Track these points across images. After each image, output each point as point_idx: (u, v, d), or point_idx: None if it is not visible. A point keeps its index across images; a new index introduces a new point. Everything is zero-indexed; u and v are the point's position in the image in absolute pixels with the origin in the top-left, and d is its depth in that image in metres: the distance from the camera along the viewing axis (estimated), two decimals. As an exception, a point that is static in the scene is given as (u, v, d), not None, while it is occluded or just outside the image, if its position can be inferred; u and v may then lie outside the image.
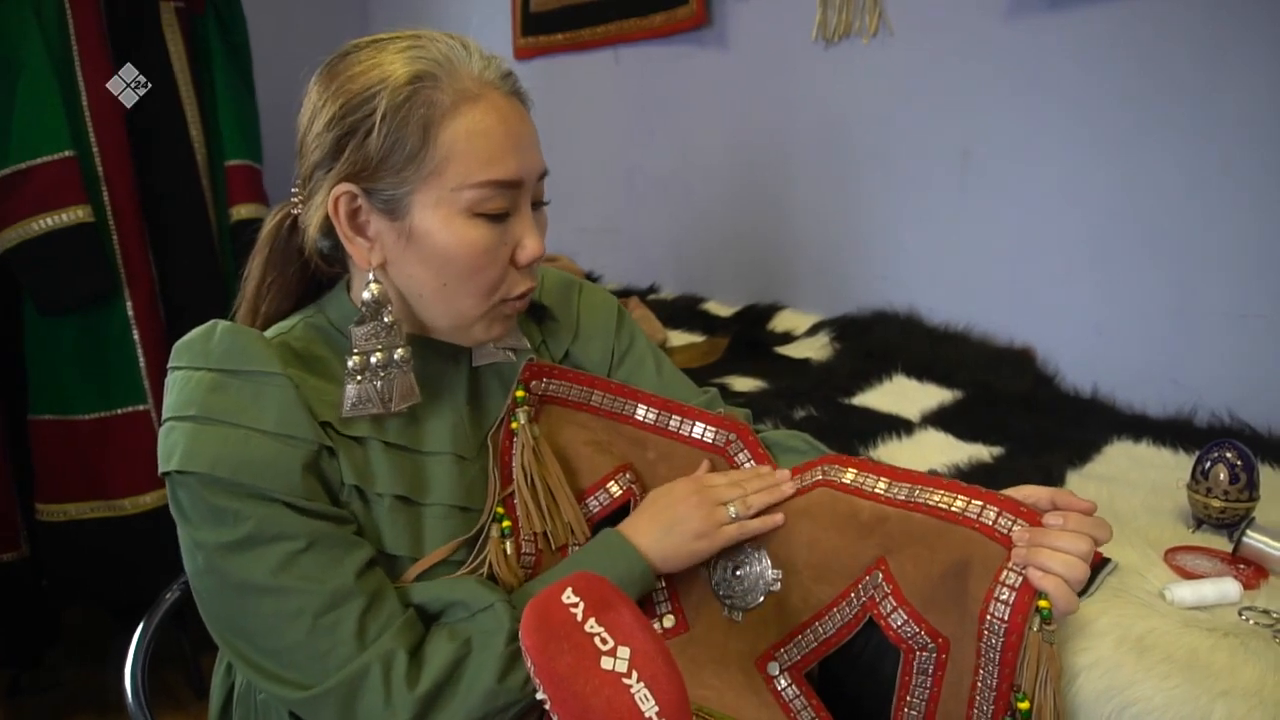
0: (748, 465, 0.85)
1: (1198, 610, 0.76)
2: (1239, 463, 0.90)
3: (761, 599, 0.80)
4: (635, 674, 0.58)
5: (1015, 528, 0.68)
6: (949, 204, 1.60)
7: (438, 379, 0.81)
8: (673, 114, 2.13)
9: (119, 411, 1.71)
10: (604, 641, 0.60)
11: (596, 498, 0.85)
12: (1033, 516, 0.68)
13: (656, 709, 0.57)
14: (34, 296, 1.63)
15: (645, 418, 0.87)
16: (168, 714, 1.83)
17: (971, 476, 1.09)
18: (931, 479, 0.76)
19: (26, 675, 1.90)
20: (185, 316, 1.74)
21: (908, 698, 0.71)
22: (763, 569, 0.80)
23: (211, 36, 1.90)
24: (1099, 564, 0.81)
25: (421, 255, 0.73)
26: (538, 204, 0.78)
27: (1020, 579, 0.65)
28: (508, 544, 0.78)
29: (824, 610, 0.77)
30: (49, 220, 1.59)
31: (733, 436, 0.86)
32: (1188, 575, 0.82)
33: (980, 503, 0.71)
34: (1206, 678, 0.68)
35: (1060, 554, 0.64)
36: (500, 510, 0.79)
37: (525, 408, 0.82)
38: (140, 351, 1.71)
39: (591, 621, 0.61)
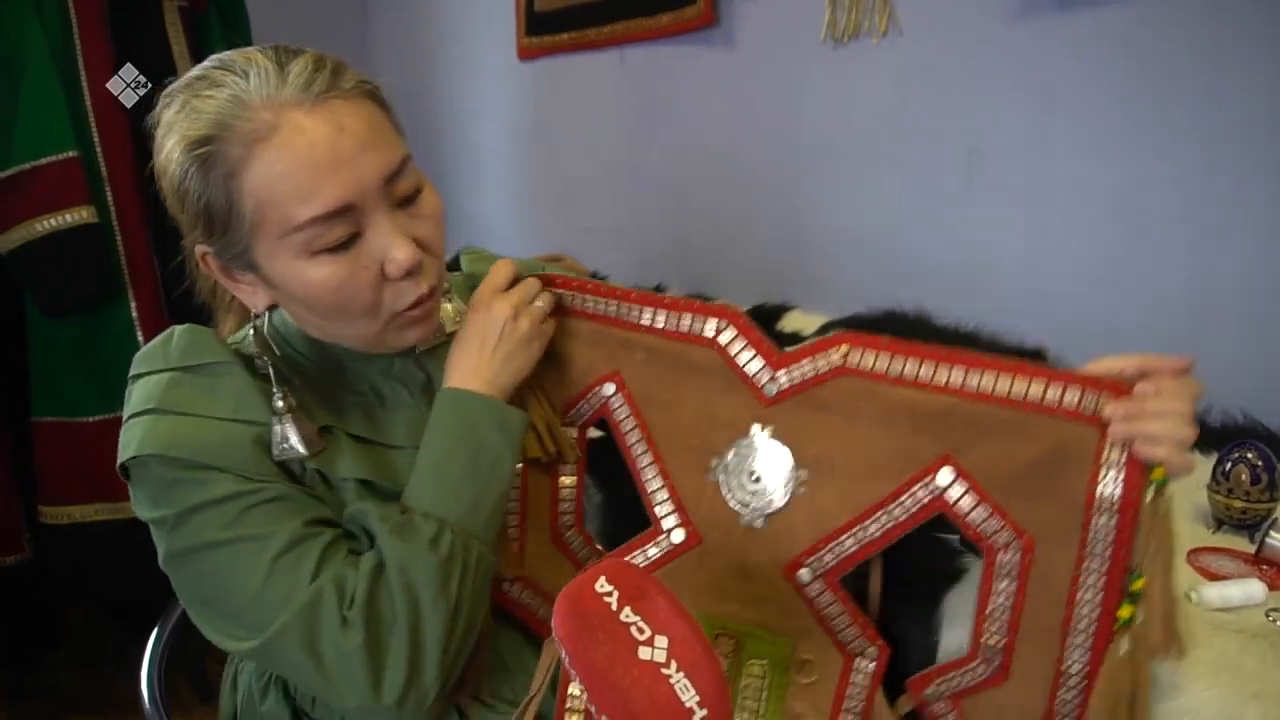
0: (744, 355, 0.76)
1: (1224, 612, 0.76)
2: (1260, 463, 0.90)
3: (786, 501, 0.74)
4: (674, 664, 0.56)
5: (1102, 404, 0.63)
6: (957, 203, 1.59)
7: (385, 378, 0.79)
8: (679, 114, 2.12)
9: (121, 413, 1.69)
10: (641, 631, 0.58)
11: (579, 409, 0.82)
12: (1117, 387, 0.62)
13: (697, 699, 0.56)
14: (37, 298, 1.61)
15: (629, 316, 0.80)
16: (172, 715, 1.82)
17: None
18: (989, 360, 0.66)
19: (29, 677, 1.88)
20: (188, 318, 1.73)
21: (990, 600, 0.67)
22: (785, 470, 0.74)
23: (215, 35, 1.89)
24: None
25: (289, 298, 0.71)
26: (410, 197, 0.70)
27: (1124, 455, 0.61)
28: None
29: (867, 512, 0.71)
30: (53, 221, 1.58)
31: (724, 323, 0.77)
32: (1211, 576, 0.82)
33: (1059, 384, 0.64)
34: (1237, 680, 0.67)
35: (1165, 419, 0.60)
36: None
37: None
38: (144, 353, 1.70)
39: (627, 610, 0.59)
